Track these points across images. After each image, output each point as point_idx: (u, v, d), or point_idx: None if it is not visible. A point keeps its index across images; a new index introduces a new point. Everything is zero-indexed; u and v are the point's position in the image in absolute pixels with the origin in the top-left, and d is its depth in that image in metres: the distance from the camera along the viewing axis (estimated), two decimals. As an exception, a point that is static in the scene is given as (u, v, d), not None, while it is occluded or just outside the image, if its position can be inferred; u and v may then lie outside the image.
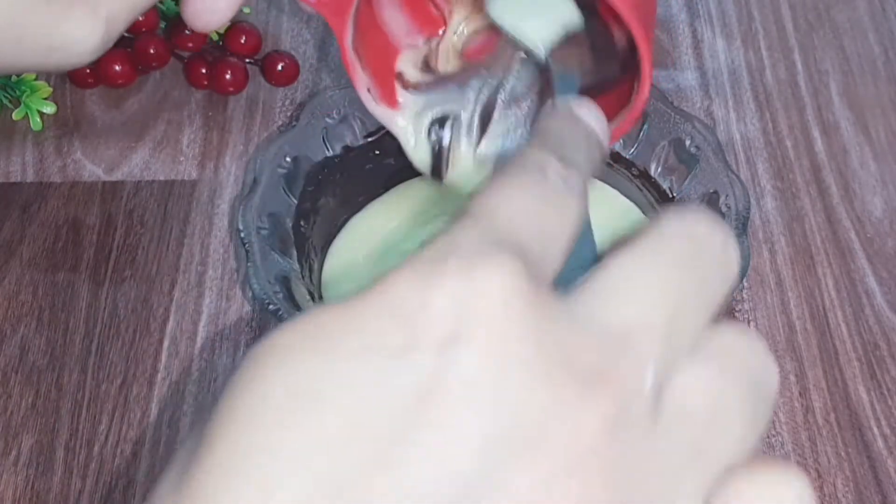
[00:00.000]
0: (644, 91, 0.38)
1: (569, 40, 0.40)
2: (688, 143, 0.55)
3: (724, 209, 0.52)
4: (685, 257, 0.23)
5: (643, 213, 0.57)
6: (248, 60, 0.67)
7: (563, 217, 0.24)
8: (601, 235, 0.57)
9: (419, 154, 0.45)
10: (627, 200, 0.58)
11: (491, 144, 0.45)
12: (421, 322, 0.20)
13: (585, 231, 0.27)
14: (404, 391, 0.20)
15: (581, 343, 0.21)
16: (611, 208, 0.58)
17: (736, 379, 0.22)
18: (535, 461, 0.20)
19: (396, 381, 0.20)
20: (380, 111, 0.42)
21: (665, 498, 0.21)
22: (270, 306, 0.48)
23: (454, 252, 0.21)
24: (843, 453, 0.51)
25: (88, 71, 0.67)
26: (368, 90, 0.41)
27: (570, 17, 0.40)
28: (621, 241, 0.23)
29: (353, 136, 0.58)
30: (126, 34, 0.67)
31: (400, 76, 0.44)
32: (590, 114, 0.28)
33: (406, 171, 0.59)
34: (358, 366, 0.20)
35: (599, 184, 0.59)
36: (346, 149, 0.57)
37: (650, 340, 0.21)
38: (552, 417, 0.20)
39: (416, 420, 0.19)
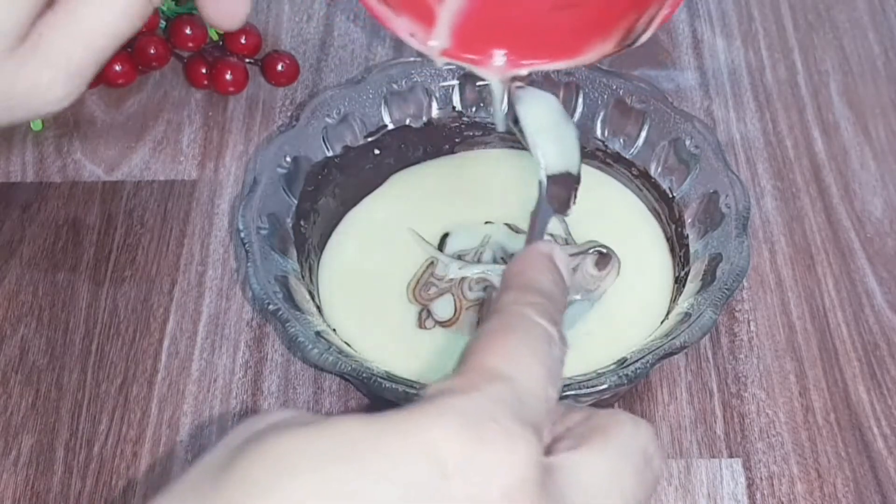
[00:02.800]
0: None
1: (562, 179, 0.41)
2: (688, 143, 0.55)
3: (724, 209, 0.52)
4: (637, 469, 0.28)
5: (645, 206, 0.57)
6: (248, 60, 0.67)
7: (558, 391, 0.29)
8: (605, 223, 0.58)
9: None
10: (631, 193, 0.58)
11: None
12: (457, 476, 0.24)
13: None
14: None
15: None
16: (615, 201, 0.58)
17: None
18: None
19: None
20: (430, 49, 0.41)
21: None
22: (270, 306, 0.48)
23: (495, 422, 0.25)
24: (843, 453, 0.51)
25: (88, 71, 0.67)
26: (412, 35, 0.40)
27: (575, 162, 0.42)
28: (592, 431, 0.29)
29: (353, 136, 0.58)
30: (126, 34, 0.67)
31: None
32: (562, 261, 0.34)
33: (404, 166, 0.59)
34: (388, 497, 0.23)
35: (604, 177, 0.59)
36: (346, 149, 0.57)
37: None
38: None
39: None
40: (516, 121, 0.42)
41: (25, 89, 0.34)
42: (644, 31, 0.40)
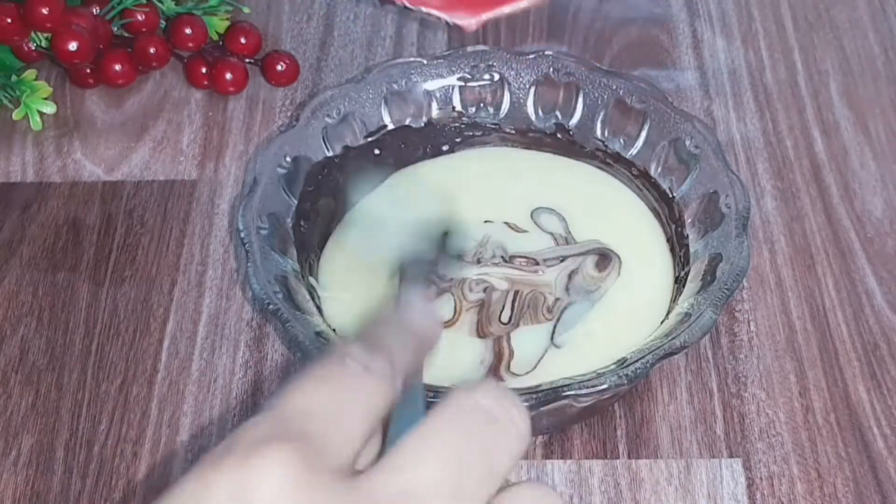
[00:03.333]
0: None
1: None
2: (688, 143, 0.55)
3: (724, 209, 0.52)
4: (471, 430, 0.25)
5: (645, 206, 0.57)
6: (248, 60, 0.67)
7: (357, 400, 0.26)
8: (605, 222, 0.58)
9: None
10: (631, 193, 0.58)
11: None
12: None
13: (416, 397, 0.29)
14: None
15: None
16: (615, 201, 0.58)
17: None
18: None
19: None
20: None
21: None
22: (270, 306, 0.48)
23: (233, 447, 0.23)
24: (843, 453, 0.51)
25: (88, 71, 0.67)
26: None
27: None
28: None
29: (353, 136, 0.58)
30: (126, 34, 0.67)
31: None
32: (422, 317, 0.31)
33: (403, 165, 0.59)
34: None
35: (605, 177, 0.59)
36: (346, 149, 0.57)
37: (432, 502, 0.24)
38: None
39: None
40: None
41: None
42: None
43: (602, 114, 0.58)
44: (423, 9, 0.40)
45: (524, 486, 0.26)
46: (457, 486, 0.24)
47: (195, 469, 0.24)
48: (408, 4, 0.40)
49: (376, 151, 0.58)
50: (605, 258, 0.55)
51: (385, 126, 0.58)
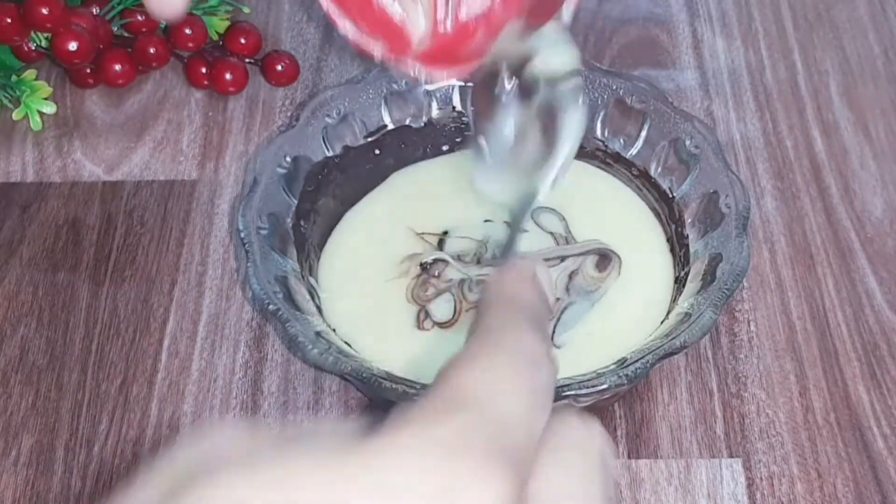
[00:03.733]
0: None
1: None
2: (688, 143, 0.55)
3: (724, 209, 0.52)
4: (597, 474, 0.27)
5: (645, 206, 0.57)
6: (248, 60, 0.67)
7: (543, 419, 0.26)
8: (606, 222, 0.58)
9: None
10: (631, 193, 0.58)
11: None
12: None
13: None
14: None
15: None
16: (615, 201, 0.58)
17: None
18: None
19: None
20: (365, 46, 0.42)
21: None
22: (270, 306, 0.48)
23: (467, 452, 0.23)
24: (843, 453, 0.51)
25: (88, 71, 0.67)
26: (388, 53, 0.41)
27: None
28: (552, 448, 0.26)
29: (353, 136, 0.58)
30: (126, 34, 0.67)
31: None
32: (545, 278, 0.32)
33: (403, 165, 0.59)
34: None
35: (605, 176, 0.59)
36: (346, 149, 0.57)
37: None
38: None
39: None
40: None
41: None
42: None
43: (602, 114, 0.58)
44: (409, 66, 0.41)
45: (573, 421, 0.27)
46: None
47: (422, 447, 0.23)
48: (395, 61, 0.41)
49: (376, 151, 0.58)
50: (605, 258, 0.55)
51: (385, 126, 0.58)
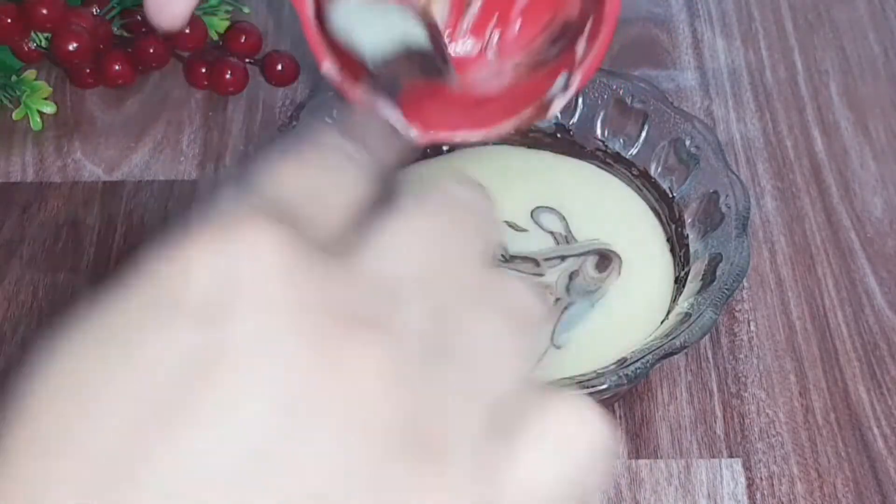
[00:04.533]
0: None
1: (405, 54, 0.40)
2: (688, 143, 0.55)
3: (724, 209, 0.52)
4: (448, 218, 0.24)
5: (645, 206, 0.57)
6: (248, 60, 0.67)
7: (341, 185, 0.24)
8: (606, 222, 0.58)
9: None
10: (631, 193, 0.58)
11: None
12: (183, 295, 0.20)
13: None
14: (175, 369, 0.19)
15: (347, 297, 0.21)
16: (615, 201, 0.58)
17: (504, 316, 0.23)
18: (318, 425, 0.19)
19: (167, 359, 0.19)
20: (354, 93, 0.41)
21: (451, 435, 0.21)
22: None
23: (212, 224, 0.21)
24: (843, 453, 0.51)
25: (88, 71, 0.67)
26: (338, 73, 0.40)
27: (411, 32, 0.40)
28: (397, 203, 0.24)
29: (353, 136, 0.58)
30: (126, 34, 0.67)
31: None
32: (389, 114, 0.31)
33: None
34: (125, 345, 0.20)
35: (605, 176, 0.59)
36: (346, 149, 0.57)
37: (415, 288, 0.22)
38: (327, 376, 0.20)
39: (191, 396, 0.19)
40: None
41: None
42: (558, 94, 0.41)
43: (602, 114, 0.58)
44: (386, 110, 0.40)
45: (496, 273, 0.24)
46: (435, 275, 0.22)
47: (167, 246, 0.21)
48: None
49: (376, 151, 0.58)
50: (605, 258, 0.55)
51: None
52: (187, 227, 0.21)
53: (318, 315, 0.20)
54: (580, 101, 0.58)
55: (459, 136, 0.41)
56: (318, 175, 0.24)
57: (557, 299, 0.54)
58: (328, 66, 0.39)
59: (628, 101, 0.57)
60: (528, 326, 0.24)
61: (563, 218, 0.57)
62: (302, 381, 0.19)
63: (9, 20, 0.64)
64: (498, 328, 0.23)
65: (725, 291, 0.49)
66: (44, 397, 0.20)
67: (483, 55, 0.44)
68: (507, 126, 0.41)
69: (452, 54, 0.43)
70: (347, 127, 0.28)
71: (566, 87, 0.41)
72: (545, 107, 0.41)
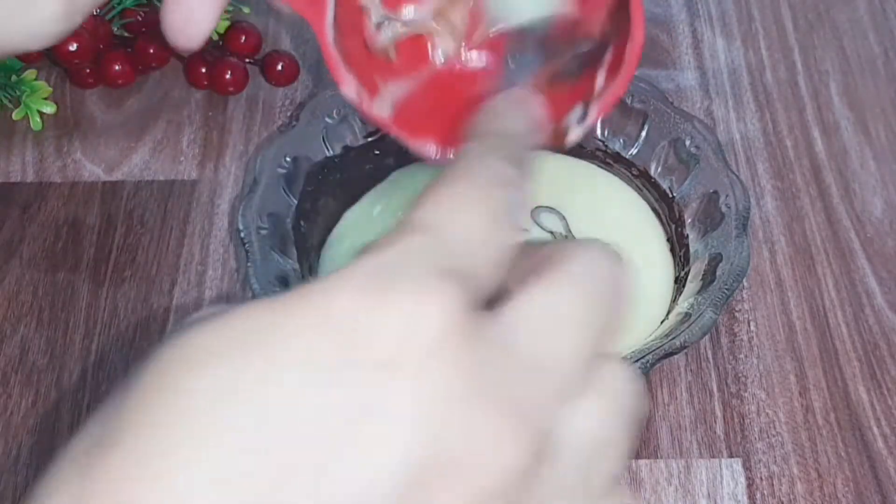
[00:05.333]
0: (633, 57, 0.39)
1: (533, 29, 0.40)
2: (688, 143, 0.55)
3: (724, 209, 0.52)
4: (595, 295, 0.24)
5: (645, 205, 0.57)
6: (248, 60, 0.67)
7: (509, 238, 0.24)
8: (606, 222, 0.58)
9: None
10: (631, 193, 0.58)
11: None
12: (361, 343, 0.20)
13: None
14: (335, 408, 0.20)
15: (503, 377, 0.21)
16: (615, 201, 0.58)
17: (617, 412, 0.24)
18: (451, 487, 0.20)
19: (329, 397, 0.20)
20: (372, 113, 0.41)
21: None
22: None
23: (402, 275, 0.21)
24: (843, 453, 0.51)
25: (88, 71, 0.67)
26: (358, 94, 0.40)
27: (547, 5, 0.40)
28: (537, 267, 0.24)
29: (353, 136, 0.58)
30: (126, 34, 0.67)
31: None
32: (534, 104, 0.30)
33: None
34: (290, 378, 0.20)
35: (605, 176, 0.59)
36: (346, 149, 0.57)
37: (559, 375, 0.22)
38: (473, 449, 0.20)
39: (342, 437, 0.19)
40: None
41: (25, 21, 0.34)
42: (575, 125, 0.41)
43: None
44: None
45: (609, 363, 0.24)
46: (574, 360, 0.23)
47: (350, 283, 0.21)
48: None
49: (376, 151, 0.58)
50: None
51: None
52: (374, 267, 0.21)
53: (475, 393, 0.21)
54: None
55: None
56: (492, 227, 0.24)
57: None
58: (348, 89, 0.39)
59: (628, 100, 0.57)
60: (635, 420, 0.24)
61: (563, 218, 0.57)
62: (447, 448, 0.20)
63: (9, 20, 0.64)
64: (612, 424, 0.23)
65: (725, 291, 0.49)
66: (180, 414, 0.21)
67: (500, 68, 0.44)
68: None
69: (468, 65, 0.43)
70: (492, 138, 0.27)
71: (583, 118, 0.40)
72: (562, 134, 0.41)
